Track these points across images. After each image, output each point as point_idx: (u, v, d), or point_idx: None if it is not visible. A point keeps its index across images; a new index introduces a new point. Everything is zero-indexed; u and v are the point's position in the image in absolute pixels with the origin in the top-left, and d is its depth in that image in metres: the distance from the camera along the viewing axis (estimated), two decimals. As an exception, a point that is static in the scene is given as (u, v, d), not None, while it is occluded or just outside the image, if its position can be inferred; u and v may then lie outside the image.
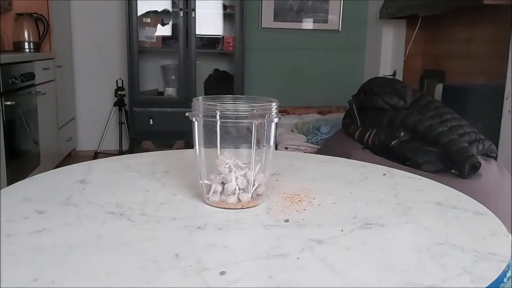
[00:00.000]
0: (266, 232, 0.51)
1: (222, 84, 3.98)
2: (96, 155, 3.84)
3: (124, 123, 3.90)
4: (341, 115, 3.00)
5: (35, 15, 3.35)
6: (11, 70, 2.53)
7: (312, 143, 2.98)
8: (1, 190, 0.62)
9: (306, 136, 3.12)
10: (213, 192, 0.72)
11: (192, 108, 0.73)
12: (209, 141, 0.71)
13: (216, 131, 0.56)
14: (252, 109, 0.67)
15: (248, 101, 0.75)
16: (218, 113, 0.66)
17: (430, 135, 1.95)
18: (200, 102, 0.73)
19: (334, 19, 4.23)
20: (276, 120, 0.58)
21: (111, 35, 4.00)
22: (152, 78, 4.01)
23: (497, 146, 2.26)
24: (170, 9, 3.83)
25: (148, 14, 3.78)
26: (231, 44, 3.79)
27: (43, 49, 3.42)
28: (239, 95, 0.77)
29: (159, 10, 3.84)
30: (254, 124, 0.55)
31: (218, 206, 0.71)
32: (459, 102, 2.56)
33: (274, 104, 0.72)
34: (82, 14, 3.92)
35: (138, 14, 3.64)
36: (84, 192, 0.70)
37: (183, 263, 0.43)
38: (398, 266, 0.43)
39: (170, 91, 3.90)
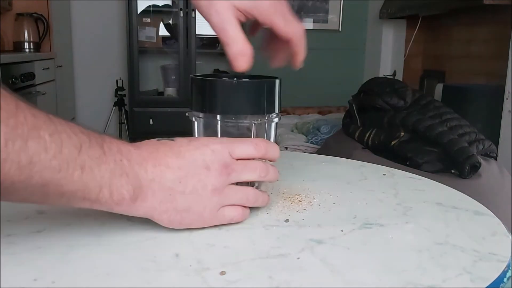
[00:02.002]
0: (266, 232, 0.51)
1: (222, 84, 3.97)
2: (96, 155, 3.84)
3: (124, 123, 3.90)
4: (341, 115, 3.00)
5: (35, 15, 3.35)
6: (11, 70, 2.54)
7: (312, 143, 2.98)
8: (1, 190, 0.62)
9: (306, 136, 3.12)
10: (213, 192, 0.72)
11: (192, 108, 0.73)
12: (209, 141, 0.71)
13: (216, 131, 0.56)
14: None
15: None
16: (218, 113, 0.66)
17: (430, 135, 1.95)
18: (200, 102, 0.72)
19: (334, 19, 4.23)
20: (276, 120, 0.58)
21: (111, 35, 4.00)
22: (152, 78, 4.01)
23: (497, 146, 2.26)
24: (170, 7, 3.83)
25: (148, 13, 3.78)
26: (231, 44, 3.78)
27: (43, 49, 3.42)
28: (239, 95, 0.77)
29: (160, 5, 3.85)
30: (254, 124, 0.55)
31: (218, 206, 0.70)
32: (459, 102, 2.56)
33: (274, 104, 0.72)
34: (82, 14, 3.92)
35: (138, 12, 3.64)
36: (84, 192, 0.70)
37: (183, 263, 0.43)
38: (398, 266, 0.43)
39: (170, 91, 3.90)
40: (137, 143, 0.48)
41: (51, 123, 0.39)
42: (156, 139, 0.49)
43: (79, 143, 0.40)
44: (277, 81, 0.58)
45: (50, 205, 0.43)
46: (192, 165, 0.47)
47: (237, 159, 0.49)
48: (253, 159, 0.51)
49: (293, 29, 0.57)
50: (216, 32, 0.54)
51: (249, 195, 0.51)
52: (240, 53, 0.53)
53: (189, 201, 0.47)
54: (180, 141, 0.49)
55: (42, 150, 0.37)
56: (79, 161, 0.40)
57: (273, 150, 0.52)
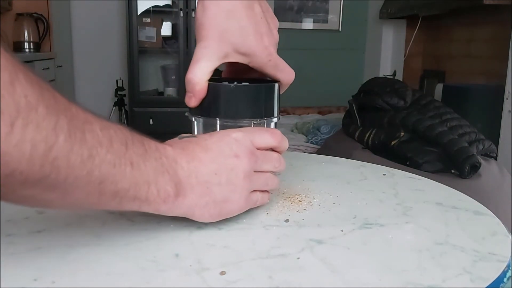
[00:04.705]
0: (266, 232, 0.51)
1: (222, 84, 3.97)
2: (96, 155, 3.84)
3: (124, 123, 3.90)
4: (341, 115, 3.00)
5: (35, 15, 3.35)
6: (11, 70, 2.53)
7: (312, 143, 2.98)
8: (1, 190, 0.62)
9: (306, 136, 3.12)
10: (213, 192, 0.72)
11: (192, 108, 0.73)
12: (209, 141, 0.71)
13: (215, 131, 0.56)
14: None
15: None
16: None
17: (430, 135, 1.95)
18: (200, 102, 0.72)
19: (334, 19, 4.23)
20: (275, 120, 0.58)
21: (111, 35, 4.00)
22: (152, 78, 4.01)
23: (497, 146, 2.26)
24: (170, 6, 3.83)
25: (148, 13, 3.78)
26: (231, 44, 3.78)
27: (43, 49, 3.42)
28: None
29: (160, 5, 3.85)
30: (253, 124, 0.56)
31: (218, 206, 0.70)
32: (459, 102, 2.56)
33: (274, 104, 0.72)
34: (82, 14, 3.92)
35: (138, 13, 3.65)
36: (84, 192, 0.70)
37: (183, 263, 0.43)
38: (398, 266, 0.43)
39: (170, 91, 3.90)
40: (165, 143, 0.48)
41: (98, 118, 0.39)
42: (177, 137, 0.50)
43: (125, 139, 0.40)
44: (276, 85, 0.58)
45: (100, 208, 0.42)
46: (222, 156, 0.48)
47: (257, 148, 0.51)
48: (270, 149, 0.53)
49: (285, 77, 0.59)
50: (193, 57, 0.54)
51: (268, 179, 0.53)
52: (194, 94, 0.54)
53: (226, 191, 0.48)
54: (202, 136, 0.51)
55: (97, 144, 0.37)
56: (127, 156, 0.40)
57: (285, 140, 0.54)
